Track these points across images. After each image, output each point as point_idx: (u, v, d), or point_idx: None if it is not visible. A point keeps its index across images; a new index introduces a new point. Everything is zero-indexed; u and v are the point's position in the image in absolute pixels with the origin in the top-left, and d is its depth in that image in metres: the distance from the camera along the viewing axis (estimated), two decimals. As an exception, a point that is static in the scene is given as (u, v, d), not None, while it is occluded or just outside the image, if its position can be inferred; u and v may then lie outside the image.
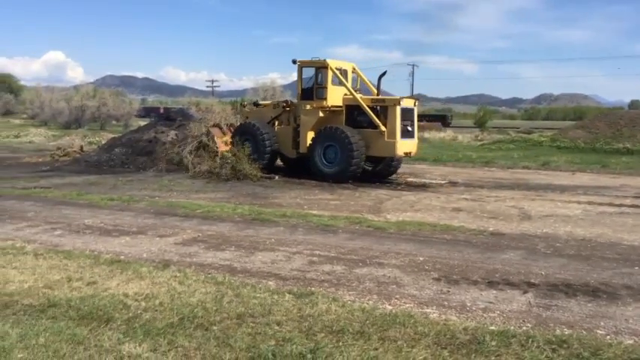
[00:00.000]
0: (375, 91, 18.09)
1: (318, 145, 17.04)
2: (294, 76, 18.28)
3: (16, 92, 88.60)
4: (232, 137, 18.42)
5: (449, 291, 6.32)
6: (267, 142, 17.68)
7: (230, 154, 17.01)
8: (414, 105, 17.53)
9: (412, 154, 17.64)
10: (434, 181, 17.30)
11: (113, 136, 26.73)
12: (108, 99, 59.11)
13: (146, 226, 9.66)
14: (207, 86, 75.27)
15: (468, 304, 5.88)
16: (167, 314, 5.25)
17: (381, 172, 17.85)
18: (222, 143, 18.86)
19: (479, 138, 42.38)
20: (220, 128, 19.78)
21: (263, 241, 8.66)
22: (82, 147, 23.76)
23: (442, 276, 6.89)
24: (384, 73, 18.23)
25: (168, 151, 19.48)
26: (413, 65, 67.77)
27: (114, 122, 58.80)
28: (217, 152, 18.43)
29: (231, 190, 14.63)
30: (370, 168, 17.87)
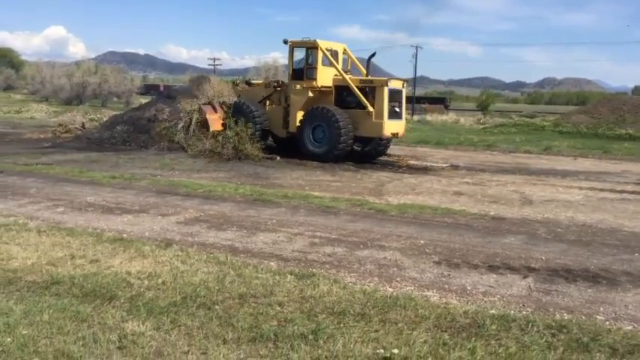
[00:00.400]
0: (365, 72, 18.17)
1: (307, 124, 17.25)
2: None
3: (17, 67, 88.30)
4: (225, 116, 18.48)
5: (449, 274, 6.35)
6: (257, 121, 17.76)
7: (232, 134, 16.97)
8: (402, 86, 17.74)
9: (400, 135, 17.86)
10: (435, 165, 17.30)
11: (115, 113, 26.65)
12: (109, 75, 58.95)
13: (148, 205, 9.68)
14: (209, 64, 74.76)
15: (469, 288, 5.91)
16: (170, 293, 5.29)
17: (369, 152, 17.99)
18: (214, 121, 18.92)
19: (481, 121, 42.28)
20: (212, 106, 19.81)
21: (264, 221, 8.68)
22: (83, 124, 23.70)
23: (443, 259, 6.92)
24: (373, 54, 18.53)
25: (159, 127, 19.52)
26: (416, 47, 67.15)
27: (115, 99, 58.61)
28: (208, 130, 18.52)
29: (233, 169, 14.63)
30: (359, 148, 18.04)
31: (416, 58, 65.87)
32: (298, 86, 17.73)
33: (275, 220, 8.80)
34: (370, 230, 8.30)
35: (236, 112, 18.04)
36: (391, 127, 16.95)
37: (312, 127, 17.15)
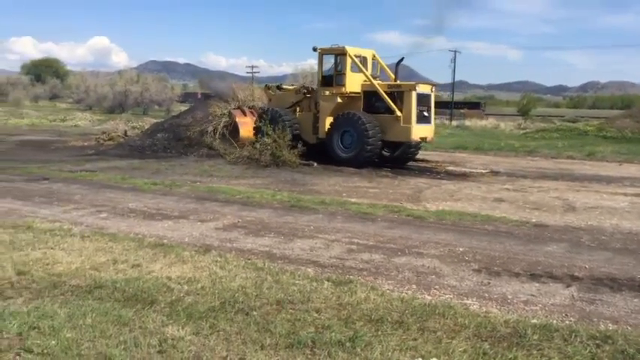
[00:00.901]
0: (393, 77, 18.34)
1: (336, 130, 17.43)
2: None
3: (62, 77, 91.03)
4: (256, 122, 18.84)
5: (489, 283, 6.25)
6: (288, 128, 17.90)
7: (270, 140, 17.07)
8: (431, 91, 17.83)
9: (428, 140, 17.91)
10: (475, 170, 17.07)
11: (156, 121, 27.21)
12: (151, 84, 60.26)
13: (188, 211, 9.84)
14: (247, 72, 75.68)
15: (509, 297, 5.80)
16: (209, 298, 5.35)
17: (399, 157, 17.97)
18: (244, 124, 19.34)
19: (522, 126, 41.59)
20: (242, 110, 20.18)
21: (302, 228, 8.71)
22: (125, 132, 24.27)
23: (483, 267, 6.81)
24: (401, 60, 18.53)
25: (190, 131, 19.93)
26: (455, 51, 66.35)
27: (156, 107, 59.79)
28: (239, 134, 19.03)
29: (270, 176, 14.75)
30: (388, 154, 18.07)
31: (454, 62, 65.11)
32: (327, 92, 18.00)
33: (312, 226, 8.82)
34: (408, 237, 8.24)
35: (266, 117, 18.25)
36: (419, 131, 17.04)
37: (341, 132, 17.32)
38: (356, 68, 17.72)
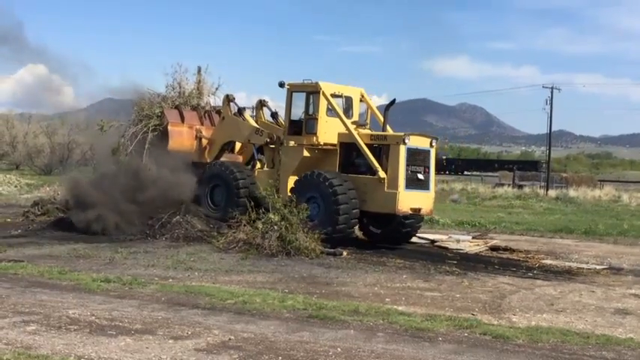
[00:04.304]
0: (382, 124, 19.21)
1: (298, 196, 17.92)
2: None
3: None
4: (197, 132, 20.56)
5: None
6: (241, 191, 18.64)
7: (277, 218, 17.17)
8: (430, 145, 18.69)
9: (424, 212, 18.62)
10: (585, 266, 16.96)
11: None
12: (106, 132, 60.92)
13: (155, 322, 9.86)
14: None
15: None
16: None
17: (391, 235, 18.72)
18: (177, 135, 20.57)
19: (655, 199, 41.39)
20: (180, 112, 21.10)
21: (324, 350, 8.66)
22: (67, 202, 24.60)
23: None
24: (392, 103, 19.59)
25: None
26: (552, 88, 66.94)
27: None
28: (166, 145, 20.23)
29: (278, 270, 14.80)
30: (379, 231, 18.93)
31: (551, 104, 65.71)
32: (292, 143, 18.91)
33: (340, 348, 8.77)
34: (485, 367, 8.14)
35: (212, 177, 19.41)
36: (410, 199, 17.62)
37: (305, 199, 17.80)
38: (333, 112, 18.61)
